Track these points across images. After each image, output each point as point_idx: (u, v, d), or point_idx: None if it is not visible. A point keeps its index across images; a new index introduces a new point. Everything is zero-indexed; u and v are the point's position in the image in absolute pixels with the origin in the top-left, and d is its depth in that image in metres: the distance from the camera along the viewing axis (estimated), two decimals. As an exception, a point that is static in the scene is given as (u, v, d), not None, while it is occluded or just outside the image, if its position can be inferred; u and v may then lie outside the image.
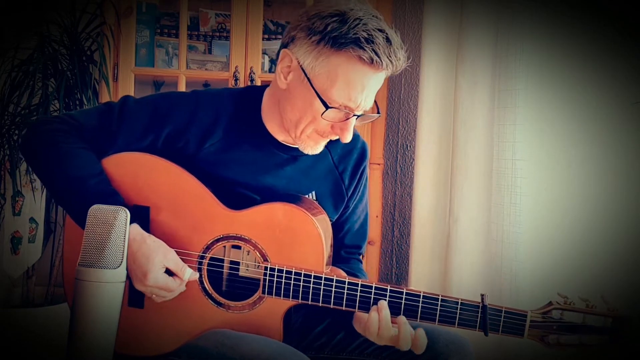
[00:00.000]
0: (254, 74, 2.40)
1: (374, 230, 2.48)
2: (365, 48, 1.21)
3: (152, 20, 2.56)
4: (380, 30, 1.22)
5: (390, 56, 1.23)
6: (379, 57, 1.21)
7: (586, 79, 1.95)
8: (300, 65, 1.27)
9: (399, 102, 2.69)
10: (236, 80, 2.40)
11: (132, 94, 2.41)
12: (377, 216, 2.48)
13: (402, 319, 1.24)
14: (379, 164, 2.47)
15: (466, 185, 2.26)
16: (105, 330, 1.13)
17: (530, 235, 2.01)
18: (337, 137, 1.33)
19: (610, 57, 1.90)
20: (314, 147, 1.35)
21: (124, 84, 2.41)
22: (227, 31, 2.60)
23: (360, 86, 1.25)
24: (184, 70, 2.46)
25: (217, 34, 2.65)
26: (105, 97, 2.36)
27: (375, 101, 1.32)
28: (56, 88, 2.33)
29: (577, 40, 1.95)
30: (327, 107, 1.26)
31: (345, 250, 1.52)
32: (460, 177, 2.28)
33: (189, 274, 1.29)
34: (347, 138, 1.31)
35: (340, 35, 1.22)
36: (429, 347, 1.31)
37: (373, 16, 1.24)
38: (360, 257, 1.57)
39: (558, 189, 1.99)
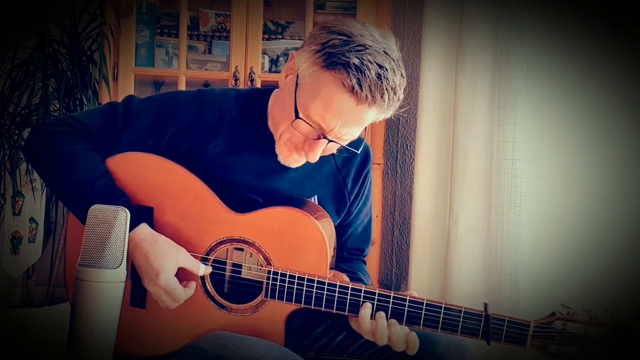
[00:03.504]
0: (253, 74, 2.40)
1: (374, 231, 2.45)
2: (351, 75, 1.17)
3: (152, 20, 2.56)
4: (379, 66, 1.18)
5: (373, 92, 1.18)
6: (361, 88, 1.17)
7: (586, 79, 1.95)
8: (297, 70, 1.27)
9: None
10: (236, 80, 2.40)
11: (132, 94, 2.41)
12: (377, 216, 2.48)
13: (392, 321, 1.24)
14: (379, 164, 2.47)
15: (466, 185, 2.26)
16: (105, 330, 1.13)
17: (530, 235, 2.01)
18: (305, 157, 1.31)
19: (611, 57, 1.90)
20: (286, 157, 1.33)
21: (124, 84, 2.41)
22: (227, 31, 2.60)
23: (337, 111, 1.22)
24: (184, 70, 2.46)
25: (217, 34, 2.65)
26: (105, 97, 2.36)
27: (362, 137, 1.30)
28: (56, 88, 2.33)
29: (577, 39, 1.95)
30: (297, 116, 1.25)
31: (348, 252, 1.52)
32: (460, 177, 2.28)
33: (203, 269, 1.29)
34: (312, 158, 1.29)
35: (334, 54, 1.19)
36: (429, 350, 1.32)
37: (384, 52, 1.20)
38: (365, 258, 1.56)
39: (558, 188, 1.99)
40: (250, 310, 1.32)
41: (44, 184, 2.39)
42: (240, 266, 1.35)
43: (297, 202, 1.36)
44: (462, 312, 1.24)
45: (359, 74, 1.17)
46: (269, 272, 1.29)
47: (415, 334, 1.24)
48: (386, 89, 1.19)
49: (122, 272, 1.14)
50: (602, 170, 1.92)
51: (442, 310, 1.25)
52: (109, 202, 1.20)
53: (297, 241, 1.29)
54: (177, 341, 1.32)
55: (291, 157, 1.33)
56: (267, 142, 1.37)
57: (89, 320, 1.11)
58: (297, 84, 1.26)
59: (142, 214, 1.31)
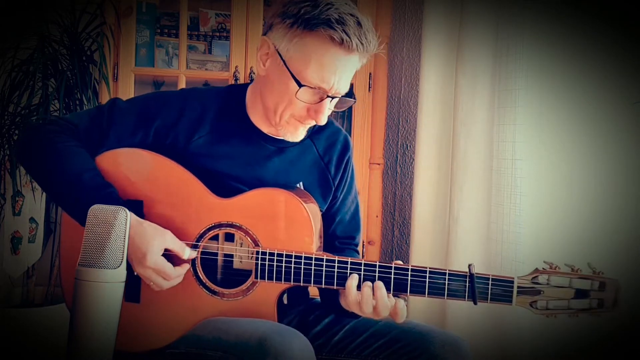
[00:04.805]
0: (254, 74, 2.40)
1: (374, 230, 2.48)
2: (336, 28, 1.25)
3: (152, 20, 2.56)
4: (352, 15, 1.28)
5: (360, 37, 1.27)
6: (349, 37, 1.26)
7: (586, 79, 1.95)
8: (277, 50, 1.32)
9: (399, 102, 2.69)
10: (236, 80, 2.40)
11: (132, 94, 2.42)
12: (377, 216, 2.48)
13: (377, 284, 1.26)
14: (379, 164, 2.47)
15: (466, 185, 2.26)
16: (105, 330, 1.13)
17: (530, 235, 2.01)
18: (314, 122, 1.37)
19: (610, 57, 1.91)
20: (293, 133, 1.39)
21: (124, 84, 2.41)
22: (227, 31, 2.60)
23: (332, 67, 1.29)
24: (184, 70, 2.46)
25: (217, 34, 2.65)
26: (105, 97, 2.36)
27: (352, 86, 1.35)
28: (56, 88, 2.33)
29: (577, 40, 1.96)
30: (300, 85, 1.30)
31: (339, 241, 1.54)
32: (460, 177, 2.28)
33: (188, 252, 1.32)
34: (322, 120, 1.35)
35: (312, 17, 1.27)
36: (425, 349, 1.33)
37: (345, 3, 1.29)
38: (357, 247, 1.58)
39: (558, 189, 1.99)
40: (242, 294, 1.33)
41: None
42: (231, 256, 1.37)
43: (283, 187, 1.39)
44: (447, 274, 1.26)
45: (342, 25, 1.26)
46: (257, 252, 1.31)
47: (402, 301, 1.26)
48: (367, 30, 1.29)
49: (122, 272, 1.15)
50: (602, 170, 1.93)
51: (427, 275, 1.26)
52: (97, 194, 1.26)
53: (284, 221, 1.32)
54: (174, 333, 1.34)
55: (297, 132, 1.39)
56: (250, 132, 1.43)
57: (89, 320, 1.12)
58: (283, 60, 1.31)
59: (130, 209, 1.33)
